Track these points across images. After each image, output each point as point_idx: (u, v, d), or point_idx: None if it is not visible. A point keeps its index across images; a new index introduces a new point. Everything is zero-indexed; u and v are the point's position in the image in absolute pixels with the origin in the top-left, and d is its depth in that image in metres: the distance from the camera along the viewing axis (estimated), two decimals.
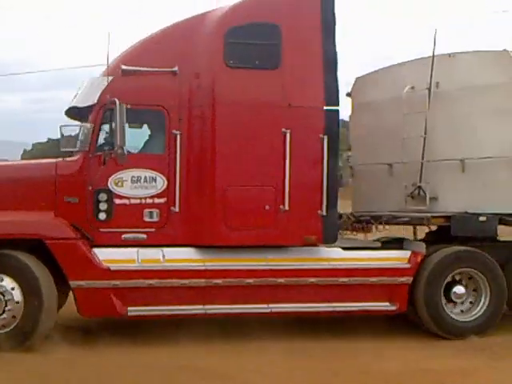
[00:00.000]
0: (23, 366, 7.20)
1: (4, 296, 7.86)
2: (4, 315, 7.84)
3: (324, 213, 8.55)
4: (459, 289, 9.03)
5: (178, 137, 8.36)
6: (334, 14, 8.69)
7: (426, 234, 10.13)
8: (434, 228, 9.85)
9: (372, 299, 8.72)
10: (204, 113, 8.42)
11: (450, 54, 9.76)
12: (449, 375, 7.30)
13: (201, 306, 8.32)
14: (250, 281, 8.40)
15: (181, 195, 8.39)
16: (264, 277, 8.44)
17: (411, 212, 9.65)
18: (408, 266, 8.84)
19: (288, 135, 8.45)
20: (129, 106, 8.23)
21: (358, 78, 10.76)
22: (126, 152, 8.01)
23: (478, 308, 9.06)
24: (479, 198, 9.35)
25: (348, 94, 10.75)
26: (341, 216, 9.47)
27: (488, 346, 8.47)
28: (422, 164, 9.70)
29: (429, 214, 9.44)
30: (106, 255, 8.21)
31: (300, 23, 8.62)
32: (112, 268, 8.11)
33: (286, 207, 8.46)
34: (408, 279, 8.81)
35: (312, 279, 8.56)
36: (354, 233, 10.00)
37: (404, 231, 10.43)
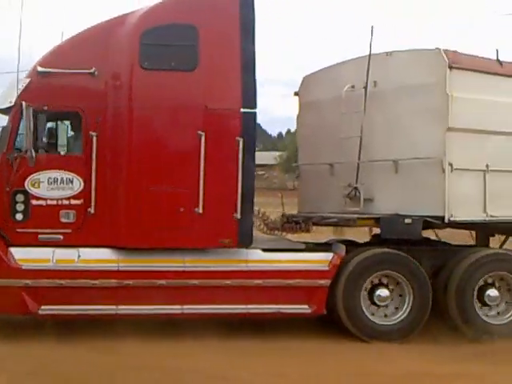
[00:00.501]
0: None
1: None
2: None
3: (239, 216, 8.53)
4: (383, 292, 8.92)
5: (95, 138, 8.43)
6: (252, 14, 8.59)
7: (372, 236, 10.05)
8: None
9: (289, 301, 8.69)
10: (120, 114, 8.47)
11: (387, 53, 9.55)
12: (454, 379, 7.31)
13: (114, 307, 8.44)
14: (163, 282, 8.48)
15: (97, 197, 8.48)
16: (177, 278, 8.51)
17: (349, 213, 9.54)
18: (326, 268, 8.78)
19: (203, 138, 8.43)
20: (45, 108, 8.34)
21: (304, 77, 10.63)
22: (33, 155, 8.12)
23: (401, 312, 8.94)
24: (411, 199, 9.19)
25: (296, 94, 10.63)
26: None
27: (490, 352, 8.30)
28: (358, 165, 9.56)
29: (355, 216, 9.34)
30: (22, 254, 8.39)
31: (218, 24, 8.54)
32: (24, 267, 8.29)
33: (200, 210, 8.46)
34: (326, 282, 8.75)
35: (226, 281, 8.58)
36: (296, 234, 9.96)
37: None
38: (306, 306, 8.74)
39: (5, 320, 8.61)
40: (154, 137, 8.52)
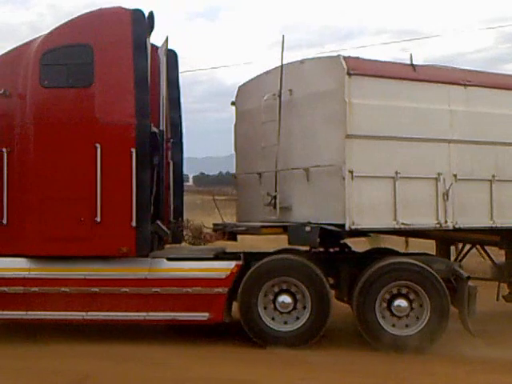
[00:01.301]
0: None
1: None
2: None
3: (135, 224, 8.82)
4: (285, 298, 8.90)
5: (5, 154, 9.03)
6: (144, 31, 8.86)
7: None
8: None
9: (189, 309, 8.87)
10: (26, 130, 9.02)
11: (300, 61, 9.52)
12: None
13: (23, 312, 8.98)
14: (66, 289, 8.93)
15: (8, 208, 9.06)
16: (79, 286, 8.92)
17: (269, 222, 9.58)
18: (223, 276, 8.88)
19: (99, 150, 8.80)
20: None
21: (239, 87, 10.72)
22: None
23: (300, 319, 8.88)
24: (319, 208, 9.11)
25: (232, 103, 10.76)
26: None
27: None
28: (275, 173, 9.58)
29: (259, 224, 9.37)
30: None
31: (111, 42, 8.90)
32: None
33: (99, 219, 8.84)
34: (224, 289, 8.85)
35: (124, 288, 8.90)
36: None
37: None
38: (206, 314, 8.87)
39: None
40: (55, 150, 8.97)
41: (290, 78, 9.45)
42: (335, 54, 9.12)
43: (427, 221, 9.21)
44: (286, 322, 8.93)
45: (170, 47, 10.17)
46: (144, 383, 7.47)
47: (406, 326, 8.83)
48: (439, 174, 9.25)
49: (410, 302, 8.84)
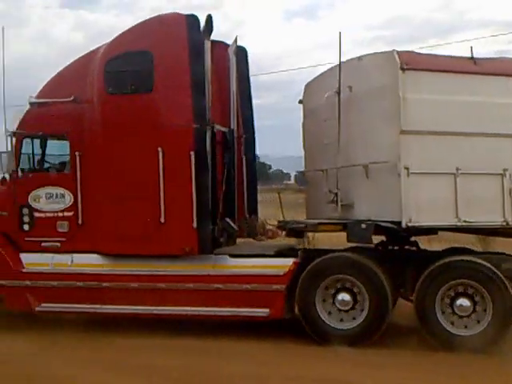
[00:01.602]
0: None
1: None
2: None
3: (196, 225, 9.17)
4: (344, 296, 8.98)
5: (78, 158, 9.62)
6: (199, 36, 9.09)
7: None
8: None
9: (249, 305, 9.14)
10: (95, 135, 9.54)
11: (359, 57, 9.41)
12: None
13: (98, 306, 9.62)
14: (135, 285, 9.46)
15: (83, 209, 9.68)
16: (147, 282, 9.42)
17: (331, 219, 9.65)
18: (281, 273, 9.07)
19: (161, 153, 9.19)
20: (40, 133, 9.76)
21: (306, 85, 10.73)
22: (4, 176, 9.55)
23: (358, 318, 8.94)
24: (378, 205, 9.07)
25: (300, 101, 10.80)
26: None
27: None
28: (336, 170, 9.60)
29: (317, 221, 9.45)
30: (29, 259, 9.91)
31: (168, 47, 9.19)
32: (25, 270, 9.81)
33: (163, 220, 9.26)
34: (281, 286, 9.04)
35: (189, 284, 9.31)
36: None
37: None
38: (266, 310, 9.11)
39: None
40: (121, 154, 9.43)
41: (350, 75, 9.36)
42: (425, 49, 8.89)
43: (492, 218, 8.90)
44: (341, 320, 9.01)
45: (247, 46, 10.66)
46: (243, 380, 7.46)
47: (465, 326, 8.65)
48: (505, 170, 8.90)
49: (475, 303, 8.63)
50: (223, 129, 10.13)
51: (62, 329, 9.34)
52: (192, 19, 9.14)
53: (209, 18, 9.47)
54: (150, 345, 8.75)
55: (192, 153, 9.11)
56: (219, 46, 10.47)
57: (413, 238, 9.78)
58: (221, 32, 10.94)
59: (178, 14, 9.26)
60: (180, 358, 8.23)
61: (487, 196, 8.87)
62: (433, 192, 8.71)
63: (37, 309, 9.79)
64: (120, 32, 9.55)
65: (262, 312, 9.12)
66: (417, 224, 8.68)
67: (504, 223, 8.91)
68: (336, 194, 9.52)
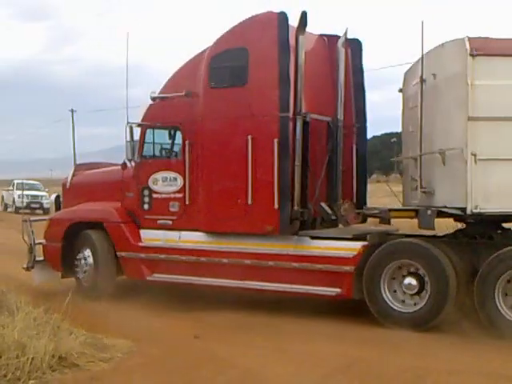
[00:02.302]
0: None
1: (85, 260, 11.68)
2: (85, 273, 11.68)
3: (277, 207, 9.88)
4: (410, 280, 9.11)
5: (187, 146, 10.82)
6: (287, 33, 9.84)
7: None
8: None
9: (322, 284, 9.62)
10: (201, 125, 10.67)
11: (442, 44, 9.55)
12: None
13: (197, 278, 10.66)
14: (226, 260, 10.38)
15: (190, 192, 10.84)
16: (236, 258, 10.30)
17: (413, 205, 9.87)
18: (351, 256, 9.44)
19: (250, 141, 10.06)
20: (158, 124, 11.16)
21: (405, 72, 10.96)
22: (127, 163, 10.98)
23: (420, 302, 9.02)
24: (450, 191, 9.15)
25: (400, 90, 11.07)
26: None
27: None
28: (419, 158, 9.79)
29: (387, 207, 9.67)
30: (146, 235, 11.29)
31: (261, 44, 10.04)
32: (141, 244, 11.18)
33: (250, 201, 10.10)
34: (351, 268, 9.40)
35: (271, 262, 10.03)
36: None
37: None
38: (337, 290, 9.53)
39: None
40: (221, 142, 10.42)
41: (434, 62, 9.53)
42: None
43: None
44: (403, 302, 9.14)
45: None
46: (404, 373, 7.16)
47: None
48: None
49: None
50: (324, 118, 10.73)
51: (218, 311, 9.96)
52: (281, 17, 9.90)
53: (303, 15, 10.14)
54: (309, 331, 8.88)
55: (275, 140, 9.83)
56: (332, 39, 11.14)
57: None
58: None
59: (271, 12, 10.06)
60: (338, 347, 8.19)
61: None
62: (503, 178, 8.60)
63: (148, 278, 11.06)
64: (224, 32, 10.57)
65: (334, 291, 9.54)
66: (483, 210, 8.61)
67: None
68: (418, 181, 9.70)
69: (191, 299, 10.73)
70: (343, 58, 10.94)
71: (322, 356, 7.70)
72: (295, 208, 10.10)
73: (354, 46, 11.32)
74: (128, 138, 11.11)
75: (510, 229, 9.56)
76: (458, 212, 8.80)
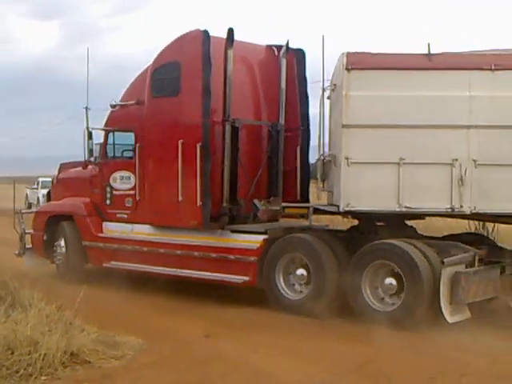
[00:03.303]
0: None
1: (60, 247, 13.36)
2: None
3: (199, 204, 11.14)
4: (301, 271, 10.19)
5: (138, 148, 12.28)
6: (209, 48, 11.05)
7: None
8: None
9: (233, 272, 10.82)
10: (146, 130, 12.09)
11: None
12: None
13: (143, 266, 12.07)
14: (162, 250, 11.78)
15: (139, 189, 12.27)
16: (169, 248, 11.68)
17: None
18: (255, 247, 10.60)
19: (180, 145, 11.36)
20: (117, 129, 12.68)
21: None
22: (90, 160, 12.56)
23: (306, 290, 10.07)
24: (337, 191, 10.09)
25: (328, 97, 12.00)
26: None
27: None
28: (323, 160, 10.84)
29: (284, 204, 10.97)
30: (107, 227, 12.84)
31: (190, 59, 11.31)
32: (101, 235, 12.74)
33: (180, 198, 11.42)
34: (255, 258, 10.57)
35: (196, 253, 11.34)
36: None
37: None
38: (245, 278, 10.70)
39: None
40: (159, 146, 11.79)
41: (334, 74, 10.47)
42: None
43: (438, 205, 9.39)
44: (301, 292, 10.20)
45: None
46: (424, 374, 7.25)
47: (393, 304, 9.35)
48: (455, 160, 9.31)
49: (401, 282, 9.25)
50: (263, 123, 11.89)
51: (229, 310, 10.31)
52: (205, 35, 11.12)
53: (230, 31, 11.29)
54: (321, 331, 9.06)
55: (198, 144, 11.09)
56: (270, 50, 12.33)
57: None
58: None
59: (198, 30, 11.29)
60: (349, 346, 8.31)
61: (433, 184, 9.38)
62: (373, 180, 9.52)
63: (105, 265, 12.59)
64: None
65: (243, 279, 10.72)
66: (353, 208, 9.59)
67: (449, 210, 9.37)
68: (321, 182, 10.75)
69: (203, 298, 11.14)
70: (285, 67, 12.05)
71: (333, 355, 7.85)
72: (224, 204, 11.30)
73: (299, 56, 12.41)
74: (86, 141, 12.67)
75: (411, 226, 10.52)
76: (334, 209, 9.76)
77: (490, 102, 9.30)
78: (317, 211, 10.11)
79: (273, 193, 11.89)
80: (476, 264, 9.41)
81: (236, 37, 11.28)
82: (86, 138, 12.74)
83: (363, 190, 9.54)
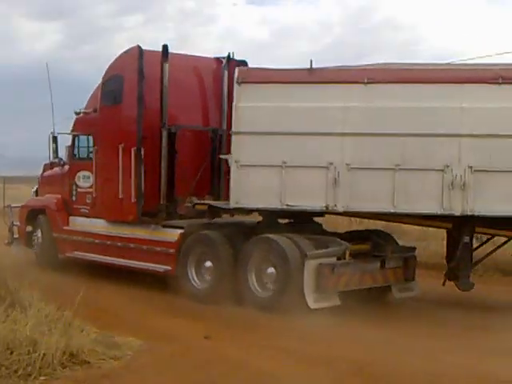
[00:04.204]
0: None
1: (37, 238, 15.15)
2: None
3: (134, 200, 12.61)
4: (208, 263, 11.48)
5: (94, 151, 13.87)
6: (142, 64, 12.46)
7: None
8: None
9: (158, 262, 12.24)
10: (99, 135, 13.67)
11: None
12: None
13: (96, 255, 13.66)
14: (108, 242, 13.33)
15: (95, 187, 13.87)
16: (111, 240, 13.24)
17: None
18: (173, 240, 11.97)
19: (120, 149, 12.86)
20: (79, 133, 14.34)
21: None
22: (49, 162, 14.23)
23: (210, 280, 11.35)
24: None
25: None
26: None
27: None
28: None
29: (196, 201, 12.16)
30: (72, 220, 14.52)
31: (128, 72, 12.78)
32: (65, 228, 14.42)
33: (121, 196, 12.92)
34: (173, 250, 11.93)
35: (131, 244, 12.82)
36: None
37: None
38: (167, 267, 12.09)
39: None
40: (107, 149, 13.31)
41: None
42: None
43: (315, 203, 10.50)
44: (206, 281, 11.49)
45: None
46: (424, 376, 7.26)
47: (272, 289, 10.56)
48: (330, 164, 10.39)
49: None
50: (204, 128, 13.27)
51: (230, 312, 10.39)
52: (140, 51, 12.54)
53: (164, 48, 12.65)
54: (322, 333, 8.97)
55: (133, 149, 12.55)
56: (215, 62, 13.67)
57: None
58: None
59: (136, 46, 12.73)
60: (351, 349, 8.28)
61: (311, 185, 10.50)
62: (258, 181, 10.71)
63: (68, 254, 14.26)
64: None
65: (165, 268, 12.10)
66: (241, 205, 10.83)
67: (325, 208, 10.49)
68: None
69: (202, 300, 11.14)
70: (226, 78, 13.34)
71: (334, 358, 7.81)
72: (161, 202, 12.72)
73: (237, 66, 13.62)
74: (51, 145, 14.38)
75: (318, 223, 11.72)
76: (227, 206, 11.01)
77: (362, 113, 10.29)
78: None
79: (215, 192, 13.17)
80: (347, 257, 10.43)
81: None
82: (51, 141, 14.42)
83: (251, 189, 10.73)
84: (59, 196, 14.88)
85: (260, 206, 10.82)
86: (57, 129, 15.01)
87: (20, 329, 7.10)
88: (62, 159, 14.81)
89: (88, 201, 14.06)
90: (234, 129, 10.82)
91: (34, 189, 16.62)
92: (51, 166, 16.07)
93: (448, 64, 10.85)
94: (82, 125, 14.23)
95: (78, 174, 14.32)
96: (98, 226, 13.73)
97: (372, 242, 11.16)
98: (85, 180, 14.18)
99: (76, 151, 14.58)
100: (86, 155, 14.47)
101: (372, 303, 10.72)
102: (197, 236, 11.66)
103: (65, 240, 14.41)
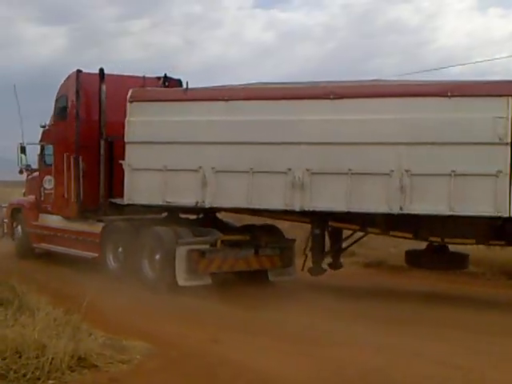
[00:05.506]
0: None
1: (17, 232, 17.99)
2: None
3: (74, 200, 15.16)
4: (120, 250, 13.83)
5: (53, 158, 16.53)
6: (80, 85, 14.97)
7: None
8: None
9: (90, 250, 14.72)
10: (55, 145, 16.33)
11: None
12: None
13: (55, 247, 16.31)
14: (60, 234, 15.96)
15: (55, 189, 16.52)
16: (60, 233, 15.85)
17: None
18: (97, 232, 14.43)
19: (65, 157, 15.43)
20: (42, 143, 17.06)
21: None
22: (19, 169, 17.00)
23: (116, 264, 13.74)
24: None
25: None
26: None
27: None
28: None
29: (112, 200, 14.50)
30: (40, 217, 17.23)
31: (70, 92, 15.34)
32: (34, 223, 17.17)
33: (66, 195, 15.50)
34: (98, 240, 14.39)
35: (73, 236, 15.39)
36: None
37: None
38: (96, 254, 14.53)
39: None
40: (59, 157, 15.87)
41: None
42: None
43: (188, 201, 12.68)
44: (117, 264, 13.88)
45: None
46: (431, 381, 7.30)
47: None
48: (200, 167, 12.54)
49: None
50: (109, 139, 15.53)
51: (237, 315, 10.54)
52: (78, 74, 15.03)
53: (101, 71, 15.06)
54: (327, 337, 9.09)
55: (73, 157, 15.09)
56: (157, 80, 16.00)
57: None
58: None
59: (76, 70, 15.23)
60: (356, 353, 8.26)
61: (186, 185, 12.68)
62: (145, 182, 12.99)
63: (35, 245, 16.99)
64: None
65: (93, 255, 14.56)
66: (132, 202, 13.16)
67: (195, 204, 12.64)
68: None
69: (209, 303, 11.17)
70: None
71: (340, 362, 7.80)
72: (101, 201, 15.22)
73: (174, 84, 15.96)
74: (19, 154, 17.17)
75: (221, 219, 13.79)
76: (122, 202, 13.36)
77: (224, 125, 12.40)
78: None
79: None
80: (218, 245, 12.53)
81: None
82: (19, 151, 17.25)
83: (140, 188, 13.02)
84: (33, 196, 17.63)
85: (147, 202, 13.07)
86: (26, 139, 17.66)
87: (28, 333, 7.15)
88: (30, 165, 17.54)
89: (51, 200, 16.71)
90: (126, 139, 13.14)
91: (23, 191, 19.45)
92: (33, 170, 18.90)
93: (290, 84, 12.70)
94: (47, 136, 16.88)
95: (45, 178, 16.94)
96: (56, 221, 16.35)
97: (252, 233, 13.17)
98: (49, 183, 16.80)
99: (44, 158, 17.26)
100: (50, 162, 17.13)
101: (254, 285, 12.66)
102: (112, 227, 14.04)
103: (34, 233, 17.13)
